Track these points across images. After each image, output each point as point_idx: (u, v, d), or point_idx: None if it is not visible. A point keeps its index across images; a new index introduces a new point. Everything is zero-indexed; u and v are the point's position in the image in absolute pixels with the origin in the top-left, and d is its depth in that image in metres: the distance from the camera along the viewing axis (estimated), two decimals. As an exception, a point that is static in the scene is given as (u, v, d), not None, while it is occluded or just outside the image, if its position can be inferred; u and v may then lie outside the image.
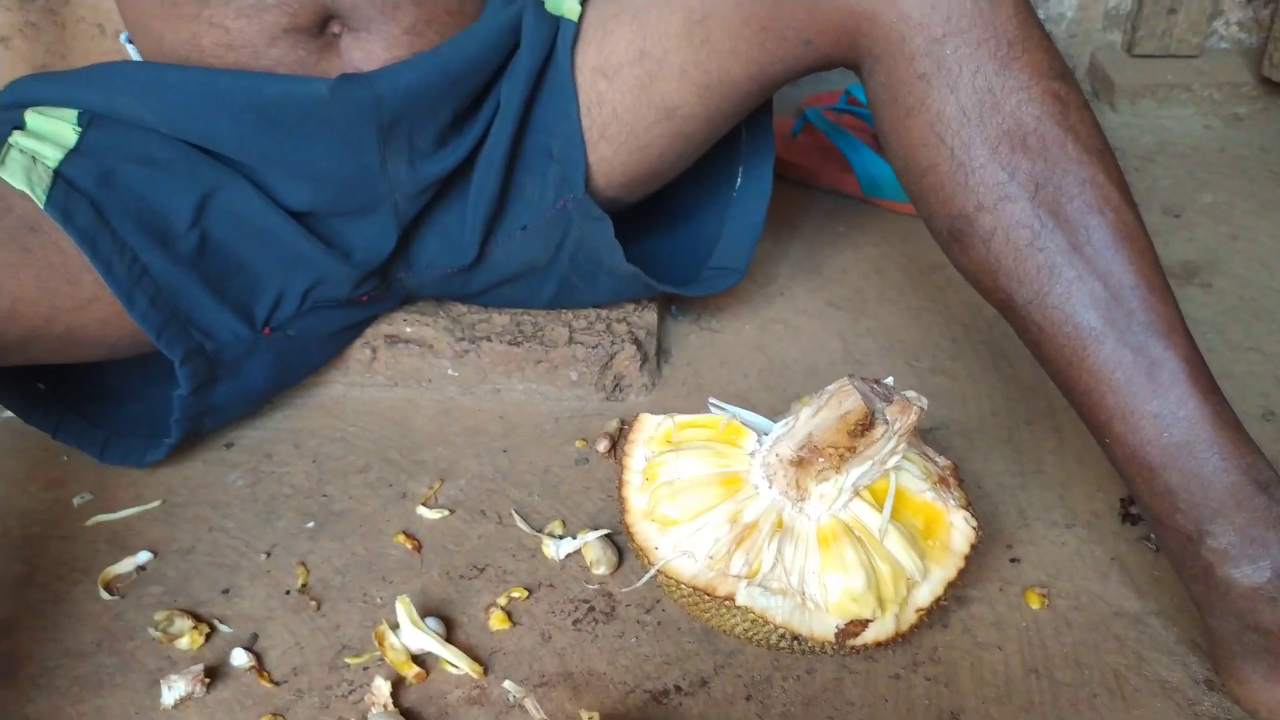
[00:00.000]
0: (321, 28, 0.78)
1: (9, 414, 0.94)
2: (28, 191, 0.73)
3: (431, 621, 0.73)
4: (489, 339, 0.95)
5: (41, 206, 0.73)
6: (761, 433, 0.70)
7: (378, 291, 0.92)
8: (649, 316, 0.98)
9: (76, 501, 0.87)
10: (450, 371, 0.96)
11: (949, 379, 0.98)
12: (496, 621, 0.74)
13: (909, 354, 1.01)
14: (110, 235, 0.75)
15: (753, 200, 0.96)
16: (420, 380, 0.97)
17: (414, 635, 0.71)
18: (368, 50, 0.79)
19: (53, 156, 0.76)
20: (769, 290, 1.10)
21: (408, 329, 0.96)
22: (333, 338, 0.93)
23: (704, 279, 0.97)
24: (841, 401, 0.62)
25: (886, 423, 0.62)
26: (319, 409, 0.96)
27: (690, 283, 0.96)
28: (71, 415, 0.89)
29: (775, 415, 0.91)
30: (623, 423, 0.93)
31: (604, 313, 0.98)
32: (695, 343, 1.03)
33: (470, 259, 0.90)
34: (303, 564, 0.81)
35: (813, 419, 0.64)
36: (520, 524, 0.83)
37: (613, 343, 0.95)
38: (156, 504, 0.87)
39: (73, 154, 0.77)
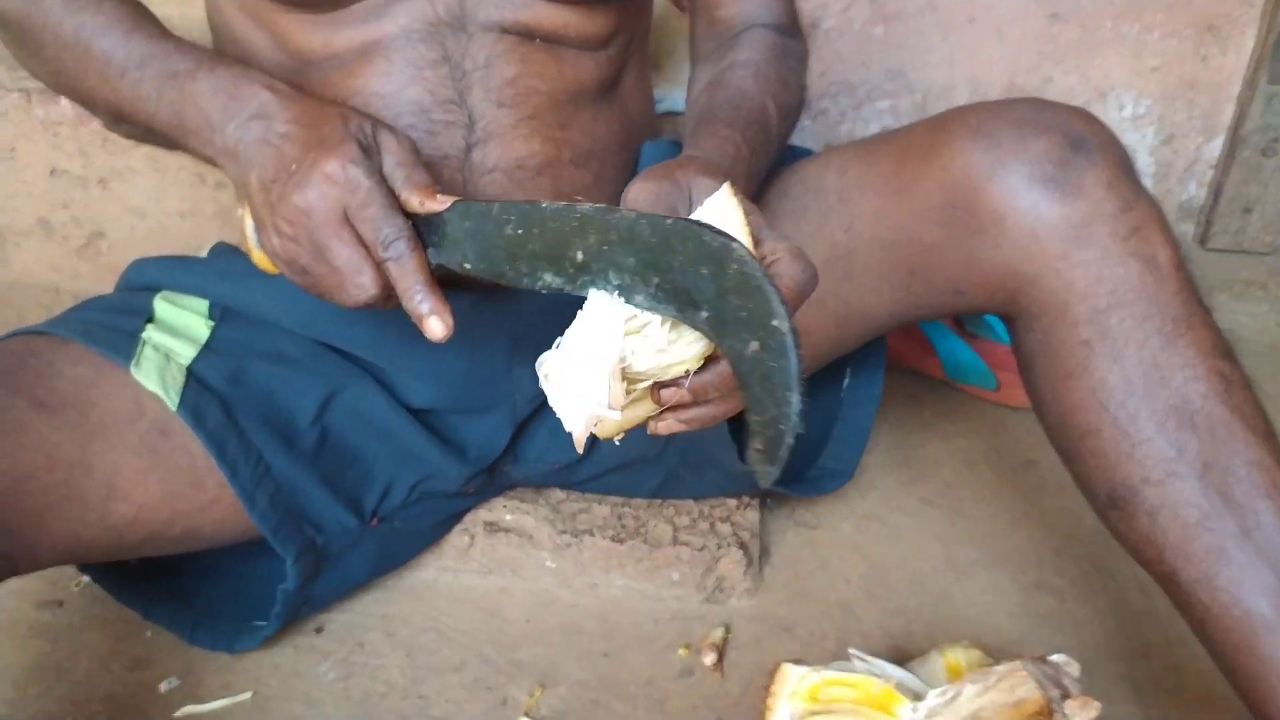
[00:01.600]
0: None
1: (88, 577, 0.91)
2: (161, 394, 0.72)
3: None
4: (590, 533, 0.93)
5: (174, 409, 0.72)
6: (912, 694, 0.67)
7: (484, 484, 0.90)
8: (751, 516, 0.97)
9: (163, 688, 0.84)
10: (548, 563, 0.94)
11: (1056, 599, 0.95)
12: None
13: (1012, 566, 0.99)
14: (237, 436, 0.74)
15: (862, 404, 0.95)
16: (516, 570, 0.94)
17: None
18: None
19: (186, 354, 0.75)
20: (862, 482, 1.09)
21: (507, 517, 0.94)
22: (434, 527, 0.91)
23: (811, 478, 0.96)
24: (1014, 688, 0.60)
25: (1065, 717, 0.60)
26: (411, 594, 0.94)
27: (796, 481, 0.95)
28: (161, 594, 0.86)
29: (889, 637, 0.88)
30: (727, 630, 0.90)
31: (707, 509, 0.96)
32: (793, 541, 1.01)
33: (578, 454, 0.89)
34: (404, 781, 0.77)
35: (979, 698, 0.62)
36: (630, 747, 0.80)
37: (718, 545, 0.93)
38: (247, 696, 0.84)
39: (205, 350, 0.76)
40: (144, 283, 0.83)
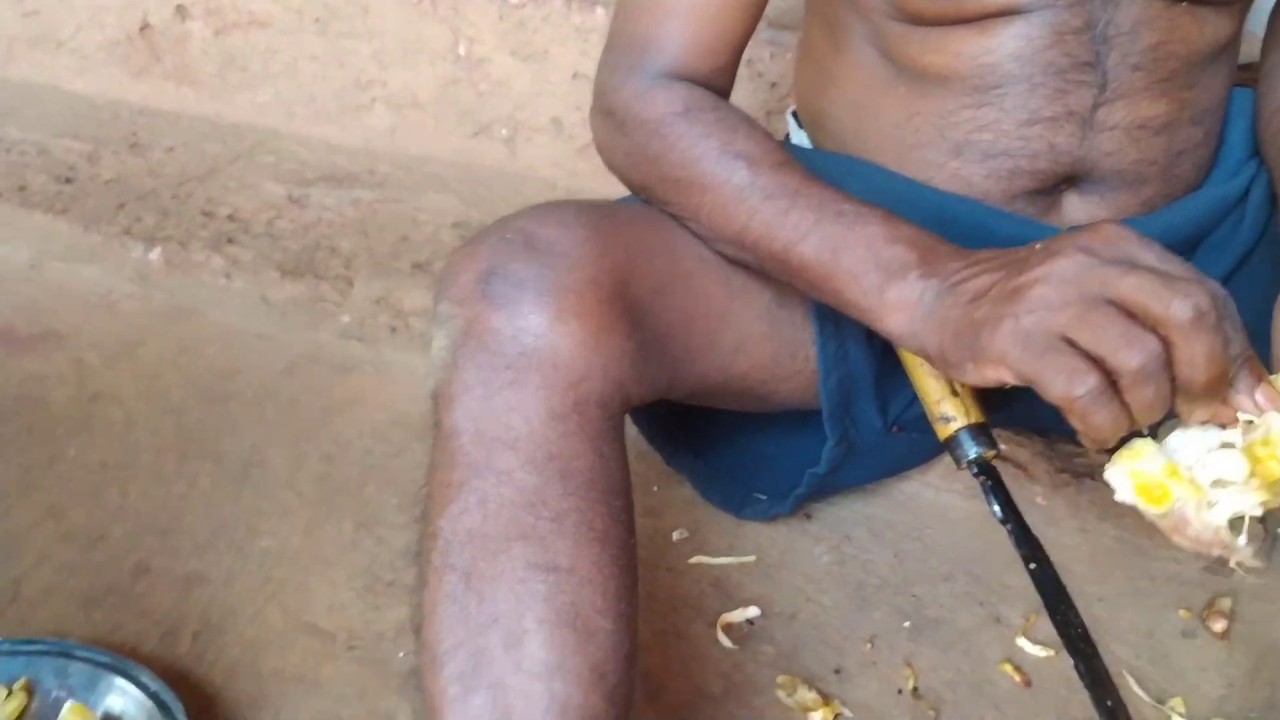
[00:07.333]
0: (1055, 186, 0.78)
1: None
2: None
3: (1076, 777, 0.71)
4: (1092, 476, 0.92)
5: None
6: None
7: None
8: (1268, 494, 0.92)
9: (675, 536, 0.93)
10: (1039, 500, 0.94)
11: None
12: (1136, 795, 0.71)
13: None
14: (833, 317, 0.79)
15: None
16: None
17: (1063, 788, 0.69)
18: (1092, 213, 0.78)
19: None
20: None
21: (1002, 446, 0.95)
22: (939, 444, 0.94)
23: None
24: None
25: None
26: (890, 501, 0.97)
27: None
28: (685, 447, 0.95)
29: None
30: (1234, 603, 0.87)
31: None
32: (1301, 531, 0.95)
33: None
34: (909, 665, 0.81)
35: None
36: (1137, 690, 0.79)
37: (1234, 516, 0.89)
38: (751, 559, 0.91)
39: None
40: None
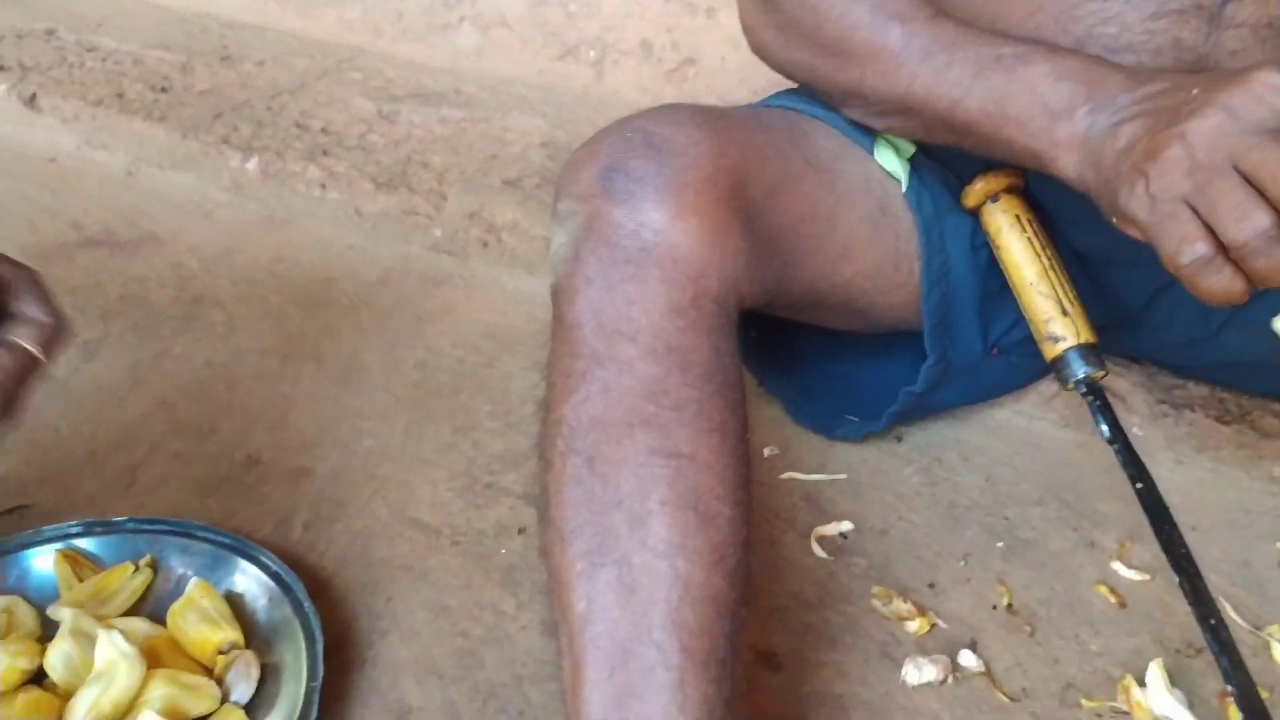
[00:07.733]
0: None
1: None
2: (899, 175, 0.78)
3: (1176, 693, 0.71)
4: (1191, 408, 0.92)
5: (904, 190, 0.78)
6: None
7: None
8: (1373, 431, 0.90)
9: (766, 452, 0.94)
10: (1135, 430, 0.93)
11: None
12: (1234, 714, 0.71)
13: None
14: (938, 232, 0.79)
15: None
16: (1094, 429, 0.95)
17: (1164, 700, 0.70)
18: None
19: (907, 150, 0.81)
20: None
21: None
22: (1038, 369, 0.93)
23: None
24: None
25: None
26: (982, 426, 0.98)
27: None
28: (776, 369, 0.96)
29: None
30: (1333, 538, 0.86)
31: (1322, 414, 0.91)
32: (1403, 471, 0.94)
33: (1207, 333, 0.87)
34: (1003, 583, 0.82)
35: None
36: (1235, 616, 0.79)
37: (1338, 451, 0.88)
38: (843, 477, 0.91)
39: (919, 153, 0.82)
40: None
